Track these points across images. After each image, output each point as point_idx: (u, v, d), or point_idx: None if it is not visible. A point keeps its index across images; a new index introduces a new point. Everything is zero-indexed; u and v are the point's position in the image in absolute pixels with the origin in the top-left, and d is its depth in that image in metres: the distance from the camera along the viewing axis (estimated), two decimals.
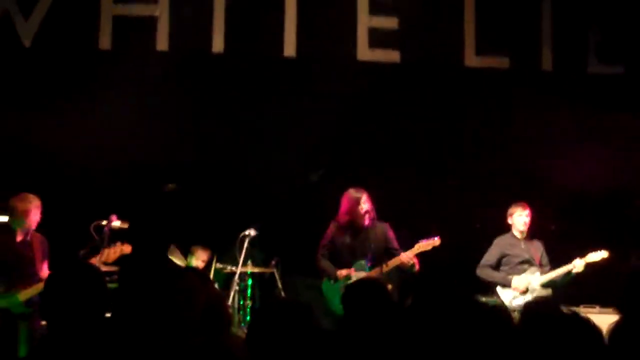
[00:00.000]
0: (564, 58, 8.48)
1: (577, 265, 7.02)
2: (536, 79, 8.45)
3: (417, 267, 6.71)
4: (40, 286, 6.05)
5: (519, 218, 7.27)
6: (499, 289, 7.21)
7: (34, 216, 6.36)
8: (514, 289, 7.13)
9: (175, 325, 3.03)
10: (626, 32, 8.46)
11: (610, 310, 6.24)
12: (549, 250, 7.36)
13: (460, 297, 2.68)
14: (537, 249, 7.29)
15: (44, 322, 5.73)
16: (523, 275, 7.15)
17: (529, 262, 7.21)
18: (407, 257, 6.68)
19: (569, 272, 7.06)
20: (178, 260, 7.59)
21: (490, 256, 7.32)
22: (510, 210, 7.35)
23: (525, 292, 7.11)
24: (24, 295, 6.18)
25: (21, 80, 7.82)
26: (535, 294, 7.09)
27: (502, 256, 7.29)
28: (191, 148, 8.11)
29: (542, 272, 7.17)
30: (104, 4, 7.92)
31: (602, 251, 7.01)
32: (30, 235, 6.41)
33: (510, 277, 7.17)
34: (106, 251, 6.36)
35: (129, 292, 3.22)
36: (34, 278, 6.25)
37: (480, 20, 8.38)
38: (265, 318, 2.96)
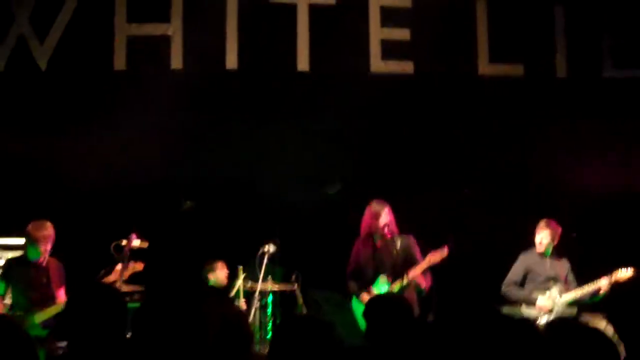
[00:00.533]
0: (579, 64, 8.44)
1: (603, 285, 6.90)
2: (551, 86, 8.41)
3: (423, 285, 6.67)
4: (56, 308, 6.13)
5: (536, 237, 7.20)
6: (523, 307, 7.13)
7: (46, 244, 6.40)
8: (539, 308, 7.04)
9: (195, 344, 3.04)
10: None
11: None
12: (573, 263, 7.27)
13: (486, 311, 2.67)
14: (563, 266, 7.18)
15: (60, 344, 5.80)
16: (548, 293, 7.06)
17: (554, 280, 7.11)
18: (413, 274, 6.64)
19: (597, 293, 6.94)
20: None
21: (516, 273, 7.23)
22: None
23: (550, 310, 7.02)
24: (40, 317, 6.27)
25: (38, 103, 7.89)
26: (560, 313, 6.99)
27: (527, 272, 7.20)
28: (208, 165, 8.14)
29: (568, 290, 7.08)
30: (118, 25, 7.97)
31: (629, 269, 6.84)
32: (45, 261, 6.46)
33: (535, 295, 7.08)
34: (119, 270, 6.43)
35: (149, 311, 3.23)
36: (50, 302, 6.33)
37: (493, 29, 8.36)
38: (286, 335, 2.96)
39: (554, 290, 7.06)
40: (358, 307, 6.75)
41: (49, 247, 6.40)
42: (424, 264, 6.67)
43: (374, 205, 6.86)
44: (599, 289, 6.90)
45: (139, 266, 6.61)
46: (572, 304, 7.03)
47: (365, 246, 6.90)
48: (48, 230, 6.40)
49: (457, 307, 6.81)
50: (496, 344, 2.65)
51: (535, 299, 7.05)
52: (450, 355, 2.63)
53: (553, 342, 2.54)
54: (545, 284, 7.11)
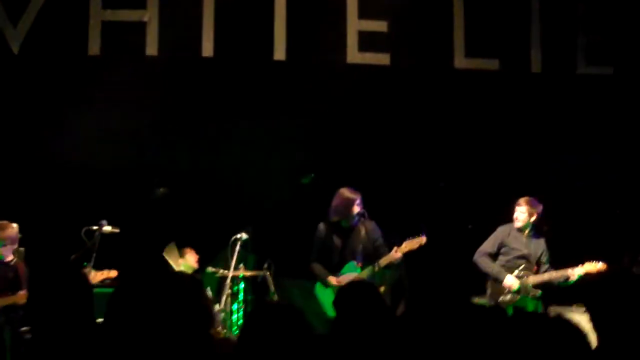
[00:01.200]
0: (553, 60, 8.51)
1: (573, 274, 6.94)
2: (526, 80, 8.48)
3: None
4: (19, 296, 6.11)
5: (515, 213, 7.22)
6: (490, 282, 7.19)
7: (11, 243, 6.44)
8: (506, 287, 7.10)
9: (167, 330, 3.03)
10: (615, 33, 8.50)
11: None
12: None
13: (456, 301, 2.69)
14: (538, 246, 7.20)
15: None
16: (516, 272, 7.09)
17: (526, 259, 7.12)
18: (399, 256, 6.68)
19: (567, 280, 7.02)
20: (173, 261, 7.62)
21: (490, 245, 7.22)
22: None
23: (516, 290, 7.08)
24: (2, 302, 6.24)
25: (10, 87, 7.80)
26: (525, 293, 7.06)
27: (502, 246, 7.23)
28: (182, 152, 8.11)
29: (538, 272, 7.14)
30: (93, 9, 7.89)
31: (600, 263, 6.87)
32: (14, 261, 6.49)
33: (504, 273, 7.11)
34: (92, 273, 6.42)
35: (121, 297, 3.22)
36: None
37: (469, 23, 8.40)
38: (257, 321, 2.95)
39: (523, 270, 7.10)
40: (322, 292, 6.78)
41: (14, 246, 6.47)
42: (402, 250, 6.66)
43: (348, 193, 6.84)
44: (568, 277, 6.98)
45: (112, 273, 6.61)
46: (538, 285, 7.09)
47: (334, 232, 6.89)
48: (9, 230, 6.45)
49: (429, 297, 6.86)
50: (467, 334, 2.67)
51: (504, 277, 7.09)
52: (420, 344, 2.65)
53: (522, 332, 2.56)
54: (516, 262, 7.14)
